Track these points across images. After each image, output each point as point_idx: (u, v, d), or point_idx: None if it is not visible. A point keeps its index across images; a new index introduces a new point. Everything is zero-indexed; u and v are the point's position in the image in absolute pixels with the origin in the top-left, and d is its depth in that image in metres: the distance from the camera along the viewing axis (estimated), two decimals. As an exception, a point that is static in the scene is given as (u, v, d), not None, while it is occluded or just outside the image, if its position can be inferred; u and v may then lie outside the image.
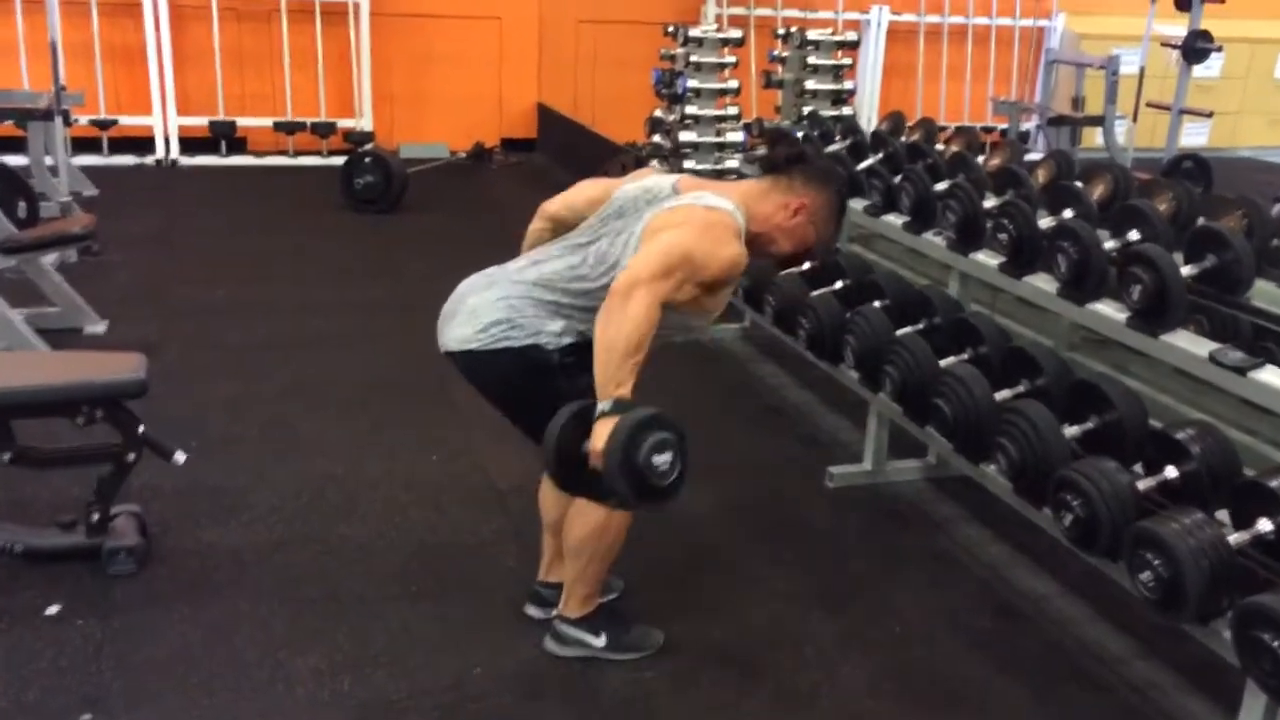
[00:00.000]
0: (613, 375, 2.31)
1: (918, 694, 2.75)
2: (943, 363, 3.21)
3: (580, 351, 2.53)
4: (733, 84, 5.46)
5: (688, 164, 5.48)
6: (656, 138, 5.76)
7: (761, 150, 4.06)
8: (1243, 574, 2.30)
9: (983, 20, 9.97)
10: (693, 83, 5.37)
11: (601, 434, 2.28)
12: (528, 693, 2.69)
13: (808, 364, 4.12)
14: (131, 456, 3.06)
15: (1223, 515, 2.45)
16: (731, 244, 2.48)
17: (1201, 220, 3.07)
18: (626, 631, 2.82)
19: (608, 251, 2.55)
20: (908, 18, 9.87)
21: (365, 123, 9.02)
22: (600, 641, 2.79)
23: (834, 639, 2.95)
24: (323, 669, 2.72)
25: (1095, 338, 3.50)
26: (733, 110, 5.50)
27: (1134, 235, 3.05)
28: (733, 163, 5.55)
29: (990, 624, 3.06)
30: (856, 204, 4.08)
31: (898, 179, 3.89)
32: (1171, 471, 2.59)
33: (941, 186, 3.72)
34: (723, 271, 2.48)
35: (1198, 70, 7.61)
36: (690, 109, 5.40)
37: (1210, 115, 7.51)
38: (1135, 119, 7.59)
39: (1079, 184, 3.60)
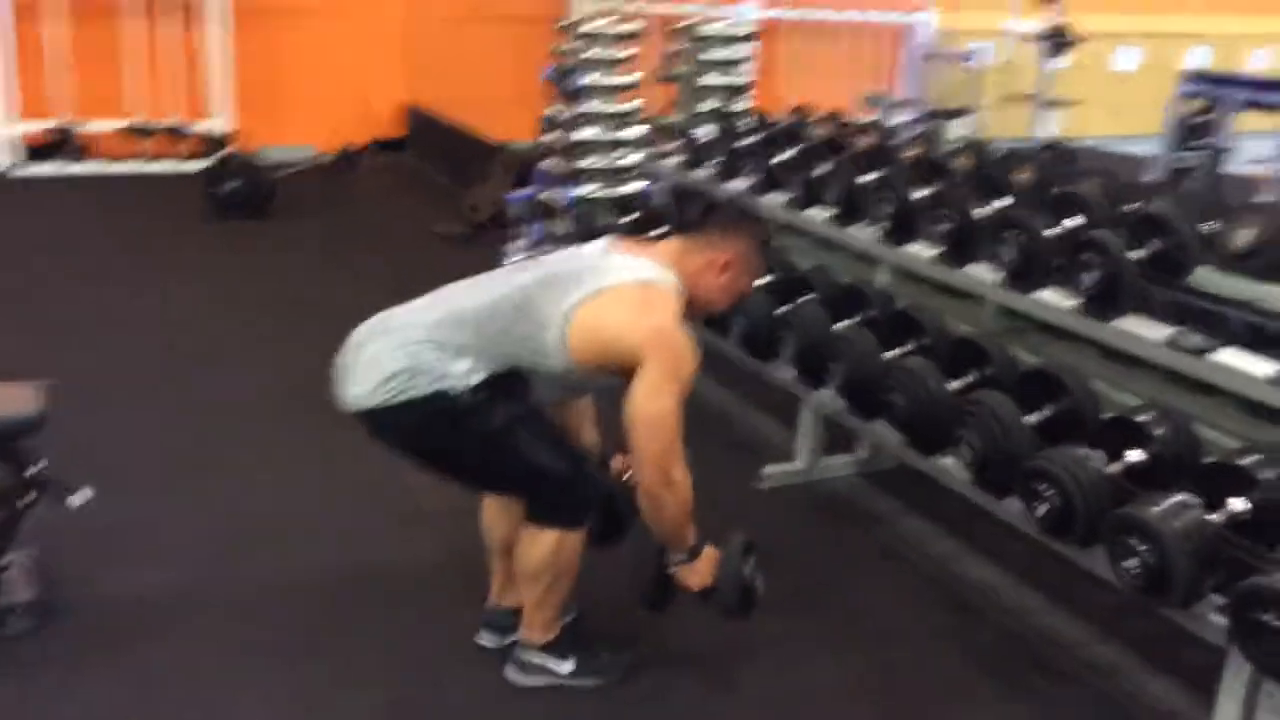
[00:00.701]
0: (679, 537, 2.46)
1: (898, 694, 2.70)
2: (885, 356, 3.16)
3: (493, 385, 2.40)
4: (630, 79, 5.35)
5: (586, 161, 5.34)
6: (552, 136, 5.60)
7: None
8: (1226, 556, 2.30)
9: (854, 15, 10.08)
10: (588, 78, 5.23)
11: (699, 574, 2.48)
12: (497, 715, 2.53)
13: (727, 364, 4.03)
14: (26, 500, 2.76)
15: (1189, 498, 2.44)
16: (682, 332, 2.40)
17: (1143, 205, 3.09)
18: (594, 655, 2.69)
19: (534, 299, 2.41)
20: (774, 14, 9.92)
21: (223, 125, 8.58)
22: (566, 667, 2.65)
23: (804, 643, 2.87)
24: (272, 718, 2.50)
25: (1016, 326, 3.52)
26: (630, 106, 5.39)
27: (1072, 222, 3.05)
28: (635, 156, 5.43)
29: (952, 619, 3.04)
30: (777, 198, 4.03)
31: (819, 172, 3.84)
32: (1135, 455, 2.58)
33: (867, 179, 3.68)
34: (693, 362, 2.40)
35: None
36: (587, 106, 5.26)
37: (1075, 105, 7.76)
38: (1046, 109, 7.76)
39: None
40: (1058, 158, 4.31)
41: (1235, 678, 2.36)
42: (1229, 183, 6.41)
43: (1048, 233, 3.02)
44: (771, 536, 3.31)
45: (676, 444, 2.35)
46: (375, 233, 6.99)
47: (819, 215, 3.83)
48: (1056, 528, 2.54)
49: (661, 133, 5.56)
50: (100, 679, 2.61)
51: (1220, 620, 2.29)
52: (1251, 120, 7.08)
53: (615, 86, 5.33)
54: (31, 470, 2.75)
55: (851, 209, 3.67)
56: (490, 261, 6.20)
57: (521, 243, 5.98)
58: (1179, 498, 2.36)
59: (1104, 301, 2.77)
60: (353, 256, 6.34)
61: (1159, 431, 2.58)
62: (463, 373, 2.37)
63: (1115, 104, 11.81)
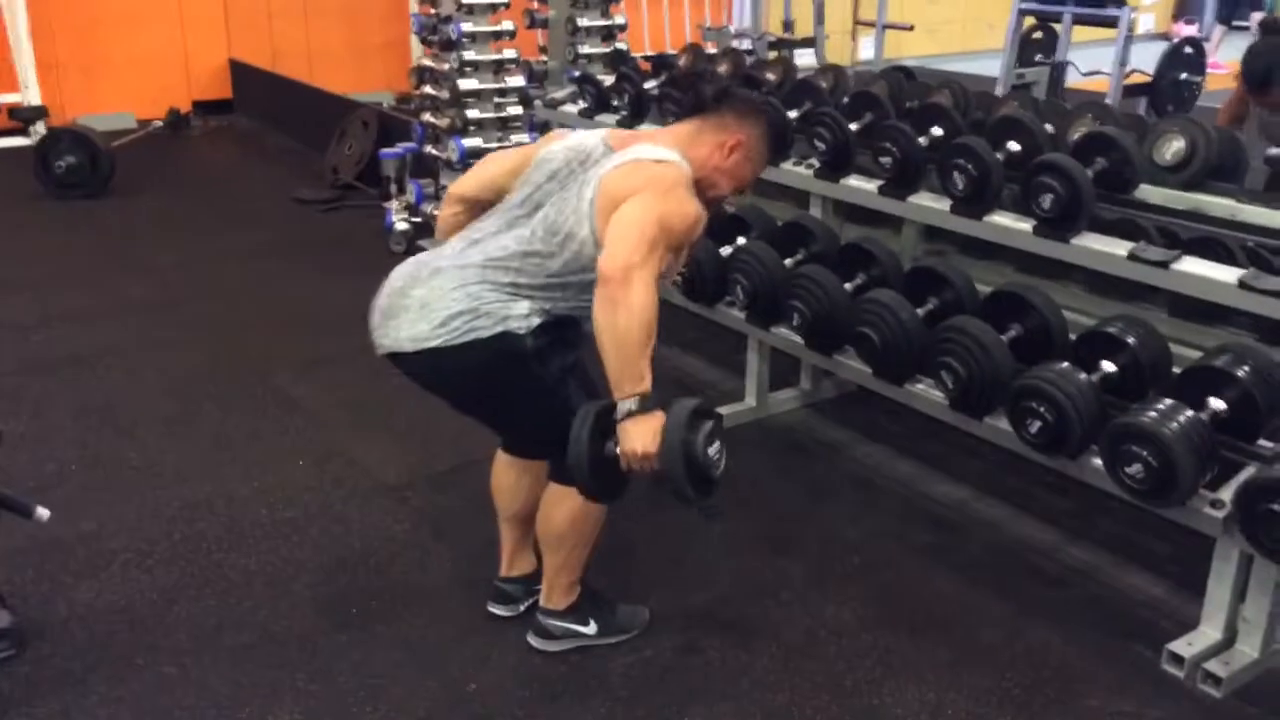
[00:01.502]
0: (630, 370, 2.14)
1: (906, 619, 2.78)
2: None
3: (550, 330, 2.34)
4: (508, 25, 5.19)
5: (470, 113, 5.19)
6: (428, 88, 5.40)
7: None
8: (1217, 453, 2.47)
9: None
10: (466, 26, 5.06)
11: (641, 434, 2.13)
12: (538, 695, 2.50)
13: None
14: (-15, 522, 2.55)
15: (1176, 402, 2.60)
16: (690, 199, 2.34)
17: (1097, 124, 3.24)
18: (614, 614, 2.69)
19: (556, 220, 2.34)
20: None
21: (32, 95, 7.93)
22: (591, 629, 2.64)
23: (804, 580, 2.94)
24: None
25: (935, 249, 3.66)
26: (510, 54, 5.24)
27: (1014, 146, 3.17)
28: (515, 109, 5.31)
29: (932, 537, 3.16)
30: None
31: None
32: (1109, 366, 2.73)
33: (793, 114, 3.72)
34: (690, 230, 2.33)
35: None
36: (468, 55, 5.09)
37: (911, 28, 7.99)
38: (854, 36, 7.95)
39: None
40: (906, 78, 4.42)
41: (1225, 564, 2.54)
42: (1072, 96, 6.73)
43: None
44: (740, 477, 3.38)
45: (648, 257, 2.14)
46: (236, 204, 6.63)
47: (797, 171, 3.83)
48: (1051, 444, 2.66)
49: (543, 79, 5.45)
50: (106, 701, 2.46)
51: (1214, 513, 2.45)
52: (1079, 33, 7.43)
53: (492, 34, 5.17)
54: (-11, 491, 2.53)
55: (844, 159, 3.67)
56: (371, 223, 6.05)
57: (399, 202, 5.78)
58: (1169, 401, 2.51)
59: (1062, 222, 2.89)
60: (221, 232, 6.00)
61: (1132, 340, 2.73)
62: (523, 314, 2.30)
63: (930, 25, 12.26)
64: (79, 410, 3.81)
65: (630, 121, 4.33)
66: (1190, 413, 2.45)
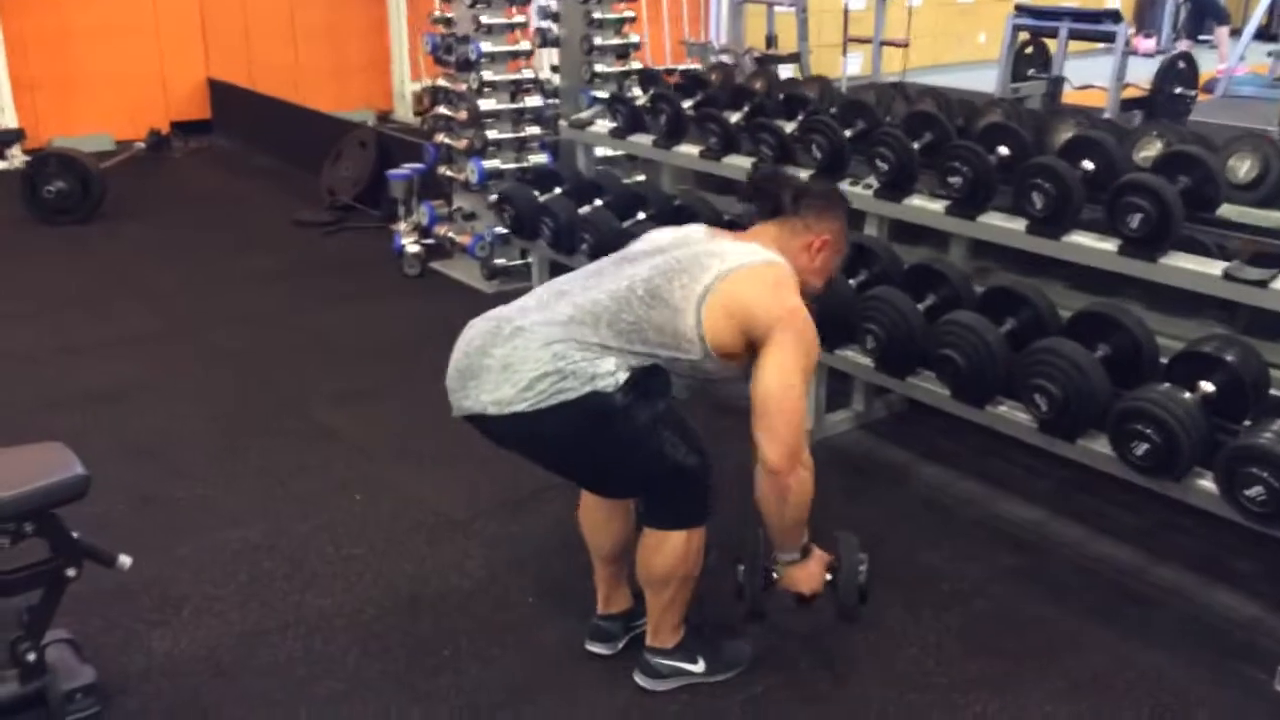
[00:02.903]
0: (794, 536, 2.40)
1: (1011, 647, 2.74)
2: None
3: (639, 384, 2.28)
4: (524, 45, 5.12)
5: (490, 134, 5.10)
6: (442, 109, 5.31)
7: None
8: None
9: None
10: (485, 46, 4.97)
11: (808, 579, 2.44)
12: (656, 741, 2.42)
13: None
14: (72, 571, 2.42)
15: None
16: (804, 307, 2.36)
17: (1178, 146, 3.23)
18: (720, 650, 2.62)
19: (662, 287, 2.30)
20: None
21: (8, 118, 7.73)
22: (699, 666, 2.57)
23: (897, 609, 2.88)
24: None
25: (981, 266, 3.65)
26: (528, 74, 5.17)
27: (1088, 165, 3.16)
28: (533, 129, 5.23)
29: (1015, 560, 3.12)
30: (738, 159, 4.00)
31: (790, 130, 3.83)
32: (1208, 386, 2.71)
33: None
34: (816, 349, 2.38)
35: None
36: (486, 75, 5.01)
37: (907, 44, 8.03)
38: (845, 52, 7.96)
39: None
40: (899, 93, 4.47)
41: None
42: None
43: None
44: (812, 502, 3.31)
45: (804, 427, 2.30)
46: (233, 227, 6.48)
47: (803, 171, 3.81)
48: (1158, 466, 2.64)
49: (563, 98, 5.37)
50: (204, 760, 2.34)
51: (1333, 530, 2.44)
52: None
53: (510, 54, 5.09)
54: (75, 537, 2.41)
55: (839, 164, 3.66)
56: (377, 246, 5.93)
57: (407, 224, 5.68)
58: (1277, 423, 2.49)
59: (1151, 242, 2.88)
60: (224, 257, 5.86)
61: (1229, 357, 2.72)
62: (610, 371, 2.24)
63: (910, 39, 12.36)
64: (116, 448, 3.66)
65: (667, 142, 4.28)
66: (1305, 432, 2.44)
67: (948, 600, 2.92)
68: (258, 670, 2.62)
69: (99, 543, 2.46)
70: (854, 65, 11.13)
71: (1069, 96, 7.23)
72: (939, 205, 3.37)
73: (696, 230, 2.52)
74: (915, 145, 3.43)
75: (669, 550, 2.40)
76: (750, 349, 2.31)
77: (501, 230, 5.19)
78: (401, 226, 5.73)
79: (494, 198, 5.14)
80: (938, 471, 3.61)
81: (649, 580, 2.47)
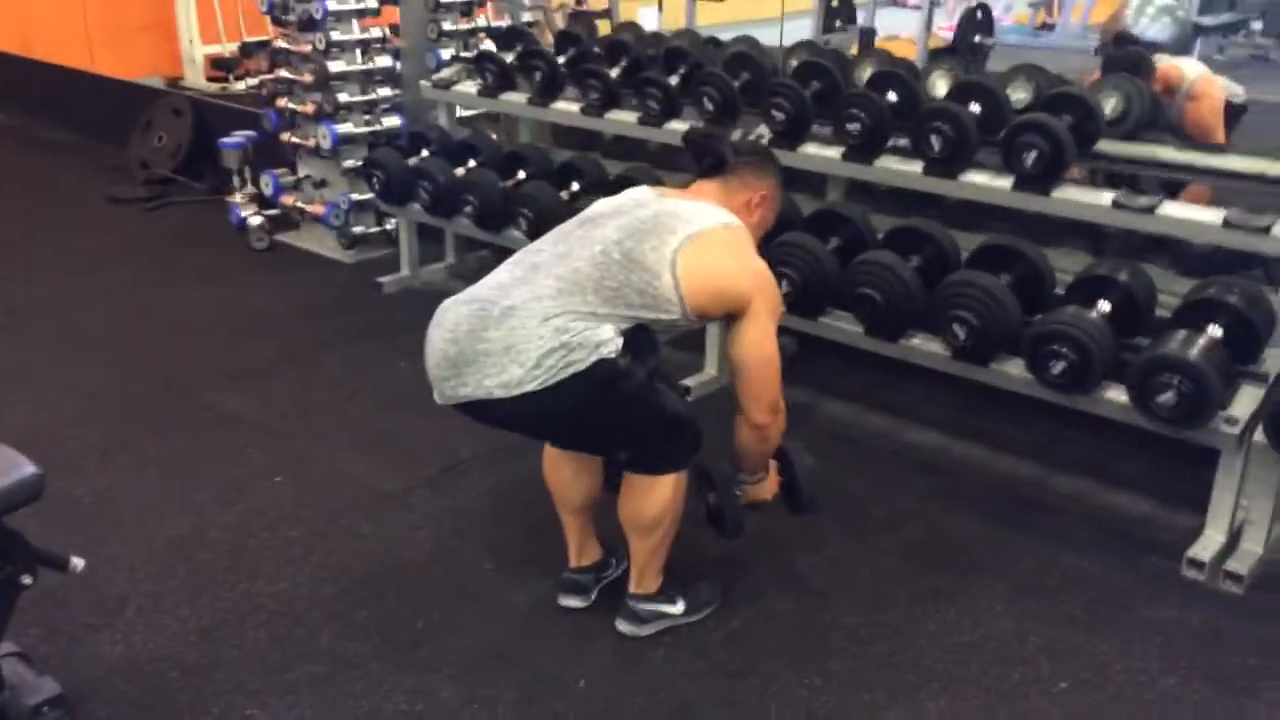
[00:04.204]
0: (763, 464, 2.60)
1: (949, 562, 2.92)
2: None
3: (632, 344, 2.34)
4: (371, 3, 4.95)
5: (341, 96, 4.91)
6: (283, 71, 5.06)
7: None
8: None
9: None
10: (331, 4, 4.77)
11: (768, 489, 2.65)
12: (650, 680, 2.48)
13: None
14: (28, 579, 2.25)
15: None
16: (762, 261, 2.50)
17: (1063, 87, 3.47)
18: (695, 589, 2.70)
19: (634, 250, 2.34)
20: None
21: None
22: (679, 608, 2.65)
23: (839, 537, 3.02)
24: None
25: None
26: (377, 33, 5.00)
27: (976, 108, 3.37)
28: (385, 90, 5.07)
29: (930, 483, 3.32)
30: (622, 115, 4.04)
31: (673, 81, 3.89)
32: (1105, 305, 2.97)
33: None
34: (779, 305, 2.53)
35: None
36: (335, 35, 4.81)
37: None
38: (660, 7, 8.03)
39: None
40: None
41: (1230, 475, 2.83)
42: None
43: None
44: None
45: (779, 383, 2.47)
46: (44, 208, 6.02)
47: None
48: (1073, 383, 2.87)
49: (405, 58, 5.21)
50: (200, 760, 2.24)
51: (1230, 430, 2.73)
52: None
53: (356, 11, 4.92)
54: (27, 547, 2.24)
55: (730, 115, 3.75)
56: (210, 219, 5.61)
57: (244, 195, 5.41)
58: (1184, 332, 2.76)
59: (1043, 178, 3.10)
60: (44, 240, 5.45)
61: (1123, 279, 2.98)
62: (610, 338, 2.27)
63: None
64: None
65: (542, 99, 4.27)
66: (1209, 339, 2.72)
67: (883, 525, 3.09)
68: (228, 663, 2.52)
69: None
70: (650, 21, 11.29)
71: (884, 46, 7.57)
72: (835, 151, 3.51)
73: (643, 192, 2.57)
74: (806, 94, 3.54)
75: (660, 494, 2.45)
76: (729, 313, 2.41)
77: (358, 197, 5.04)
78: (238, 198, 5.47)
79: (349, 163, 4.99)
80: (840, 407, 3.79)
81: (639, 526, 2.51)
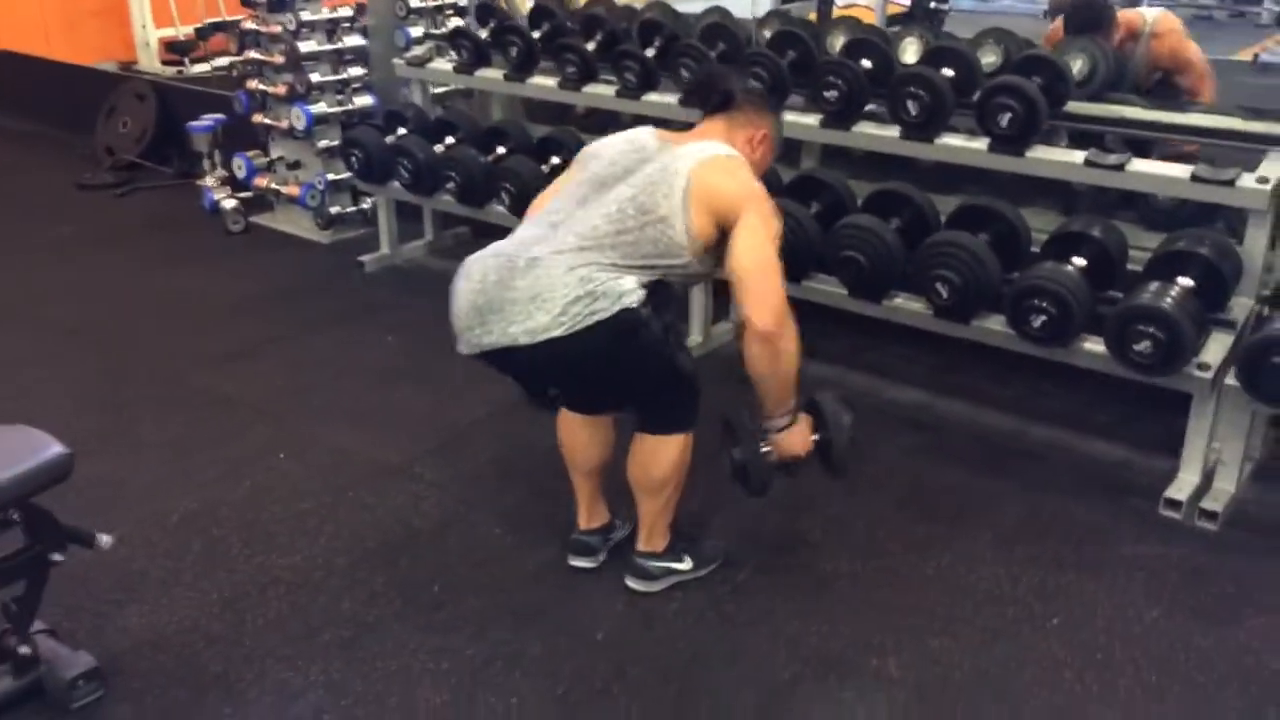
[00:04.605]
0: (786, 399, 2.48)
1: (941, 511, 3.05)
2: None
3: (651, 297, 2.41)
4: (341, -18, 4.97)
5: (315, 76, 4.93)
6: (253, 53, 5.06)
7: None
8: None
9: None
10: (301, -15, 4.79)
11: (799, 440, 2.54)
12: (667, 632, 2.59)
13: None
14: (58, 556, 2.31)
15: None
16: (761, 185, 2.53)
17: (1033, 50, 3.58)
18: (701, 547, 2.80)
19: (647, 203, 2.41)
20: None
21: None
22: (686, 564, 2.74)
23: (832, 492, 3.08)
24: (449, 700, 2.39)
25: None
26: (346, 12, 5.01)
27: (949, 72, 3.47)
28: (356, 70, 5.09)
29: (916, 439, 3.43)
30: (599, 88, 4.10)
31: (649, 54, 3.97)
32: (1081, 260, 3.10)
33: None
34: (779, 228, 2.52)
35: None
36: (306, 14, 4.82)
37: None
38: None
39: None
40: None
41: (1202, 419, 2.98)
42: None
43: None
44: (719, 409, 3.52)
45: (783, 290, 2.40)
46: (11, 196, 5.96)
47: (666, 98, 3.95)
48: (1053, 335, 2.99)
49: (372, 36, 5.22)
50: (242, 718, 2.32)
51: (1203, 375, 2.87)
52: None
53: (326, -8, 4.94)
54: (57, 524, 2.30)
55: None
56: (181, 203, 5.59)
57: (215, 178, 5.41)
58: (1157, 283, 2.90)
59: (1019, 139, 3.22)
60: (16, 228, 5.42)
61: (1097, 234, 3.10)
62: (632, 289, 2.35)
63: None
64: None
65: (519, 74, 4.32)
66: (1181, 289, 2.85)
67: (875, 480, 3.21)
68: (253, 631, 2.58)
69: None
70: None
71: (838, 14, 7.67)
72: (813, 119, 3.60)
73: (645, 134, 2.59)
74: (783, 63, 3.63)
75: (668, 453, 2.54)
76: (722, 237, 2.43)
77: (333, 177, 5.07)
78: (209, 181, 5.47)
79: (324, 143, 5.01)
80: (822, 369, 3.87)
81: (648, 485, 2.60)
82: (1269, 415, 3.06)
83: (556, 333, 2.30)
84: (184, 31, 8.50)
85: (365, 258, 4.80)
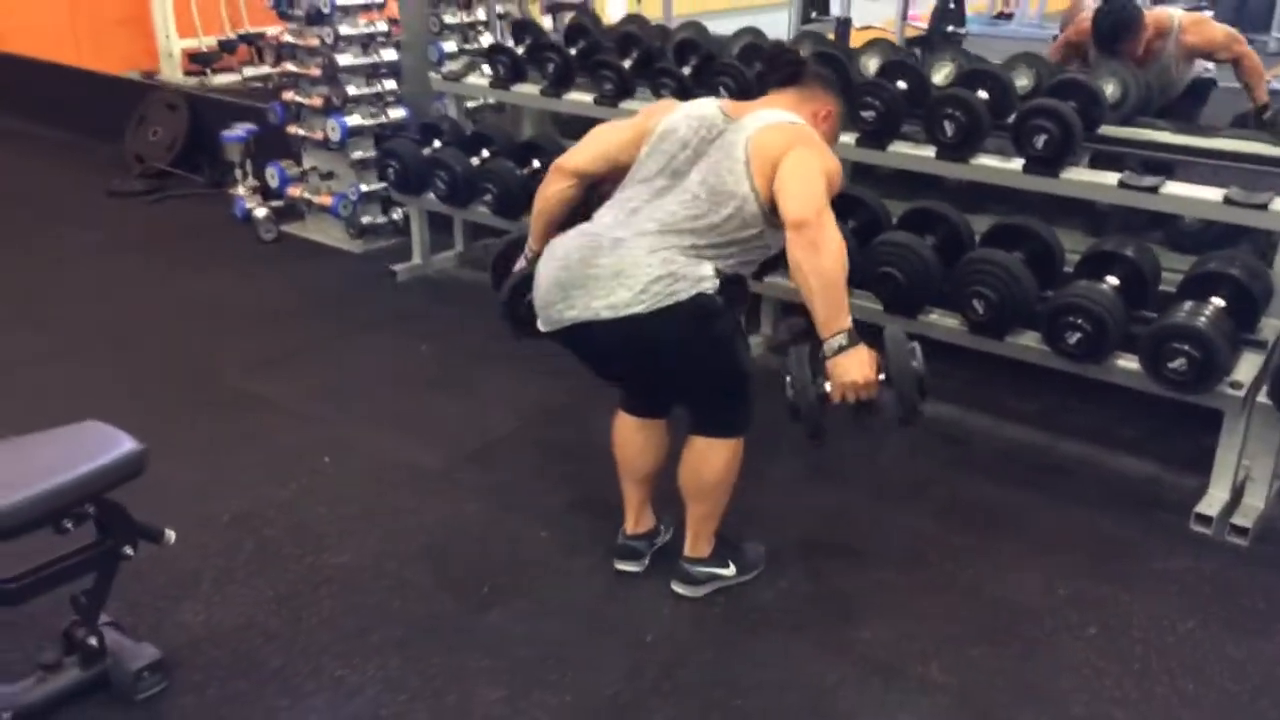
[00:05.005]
0: (838, 307, 2.30)
1: (975, 523, 3.10)
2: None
3: (726, 288, 2.48)
4: (378, -3, 5.05)
5: (350, 89, 5.01)
6: (291, 65, 5.15)
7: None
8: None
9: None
10: (340, -1, 4.87)
11: (859, 365, 2.30)
12: (713, 635, 2.64)
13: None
14: (130, 550, 2.37)
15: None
16: (831, 153, 2.55)
17: (1067, 74, 3.66)
18: (744, 553, 2.85)
19: (716, 185, 2.46)
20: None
21: None
22: (730, 570, 2.80)
23: (870, 502, 3.20)
24: (505, 696, 2.44)
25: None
26: (382, 26, 5.09)
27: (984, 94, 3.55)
28: (390, 84, 5.17)
29: (948, 452, 3.50)
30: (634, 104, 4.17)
31: (686, 70, 4.04)
32: (1114, 280, 3.17)
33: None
34: (839, 181, 2.52)
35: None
36: (344, 29, 4.91)
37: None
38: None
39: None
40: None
41: (1233, 436, 3.04)
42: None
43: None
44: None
45: (827, 201, 2.34)
46: (45, 204, 6.02)
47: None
48: (1088, 352, 3.06)
49: (404, 51, 5.30)
50: (298, 714, 2.37)
51: (1235, 393, 2.94)
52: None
53: (362, 5, 5.01)
54: (129, 519, 2.36)
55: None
56: (212, 211, 5.66)
57: (247, 187, 5.49)
58: (1191, 303, 2.97)
59: (1055, 160, 3.29)
60: (51, 235, 5.48)
61: (1130, 254, 3.18)
62: (710, 275, 2.41)
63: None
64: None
65: (555, 90, 4.40)
66: (1215, 308, 2.92)
67: (911, 492, 3.27)
68: (308, 628, 2.64)
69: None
70: (616, 11, 11.41)
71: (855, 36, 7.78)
72: (849, 137, 3.67)
73: (712, 107, 2.60)
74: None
75: (719, 457, 2.61)
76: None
77: (366, 188, 5.14)
78: (241, 190, 5.55)
79: (357, 155, 5.09)
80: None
81: (699, 489, 2.66)
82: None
83: (637, 309, 2.37)
84: (207, 43, 8.63)
85: (397, 267, 4.87)
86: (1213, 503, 3.08)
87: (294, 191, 5.35)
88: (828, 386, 2.34)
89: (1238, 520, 3.02)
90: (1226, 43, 4.36)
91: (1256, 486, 3.08)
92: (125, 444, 2.31)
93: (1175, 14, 4.35)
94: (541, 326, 2.55)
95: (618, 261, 2.41)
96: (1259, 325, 3.10)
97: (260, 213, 5.40)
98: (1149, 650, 2.62)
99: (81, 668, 2.36)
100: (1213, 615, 2.74)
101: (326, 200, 5.21)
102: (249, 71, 8.26)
